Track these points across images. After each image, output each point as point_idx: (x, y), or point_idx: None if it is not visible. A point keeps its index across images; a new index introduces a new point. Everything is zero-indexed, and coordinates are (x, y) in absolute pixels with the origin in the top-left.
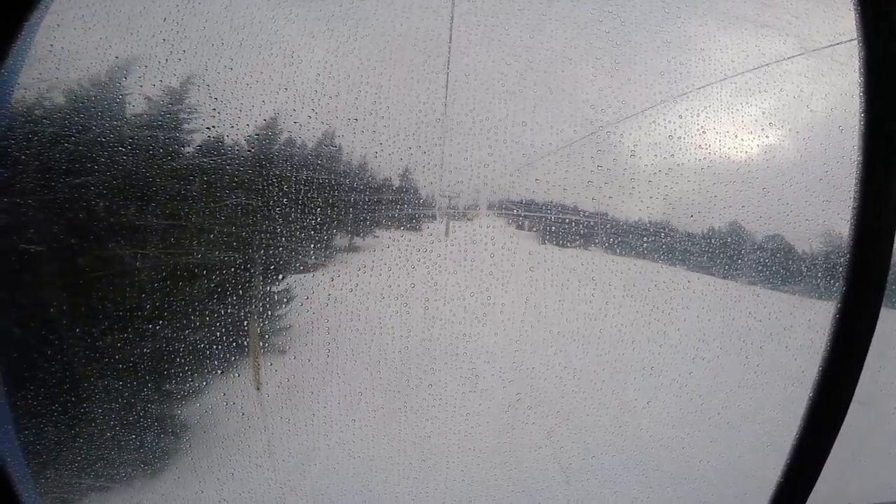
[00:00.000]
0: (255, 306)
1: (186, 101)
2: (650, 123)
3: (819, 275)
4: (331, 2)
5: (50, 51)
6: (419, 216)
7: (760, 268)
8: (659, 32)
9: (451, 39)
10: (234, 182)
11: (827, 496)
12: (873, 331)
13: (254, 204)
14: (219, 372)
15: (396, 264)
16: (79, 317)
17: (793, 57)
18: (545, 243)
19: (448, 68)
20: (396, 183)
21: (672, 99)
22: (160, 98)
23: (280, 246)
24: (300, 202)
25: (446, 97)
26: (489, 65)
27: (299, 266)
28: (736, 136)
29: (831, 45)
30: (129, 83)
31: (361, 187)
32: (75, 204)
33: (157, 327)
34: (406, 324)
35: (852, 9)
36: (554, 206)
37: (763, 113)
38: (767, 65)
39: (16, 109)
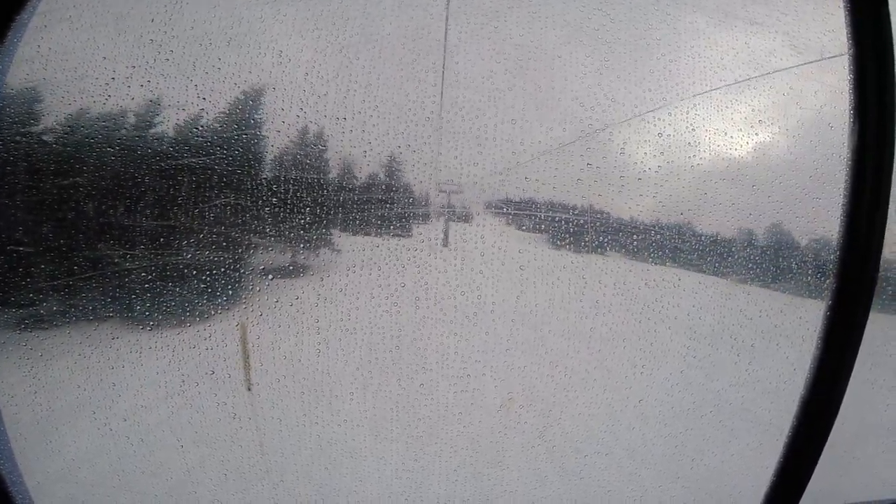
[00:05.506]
0: (246, 307)
1: (175, 102)
2: (640, 121)
3: (810, 272)
4: (319, 1)
5: (38, 52)
6: (409, 215)
7: (751, 266)
8: (648, 30)
9: (441, 38)
10: (223, 182)
11: (820, 493)
12: (864, 328)
13: (243, 204)
14: (210, 372)
15: (386, 264)
16: (69, 318)
17: (783, 54)
18: (535, 242)
19: (437, 67)
20: (385, 182)
21: (662, 97)
22: (148, 99)
23: (269, 246)
24: (289, 202)
25: (435, 96)
26: (479, 63)
27: (289, 266)
28: (726, 134)
29: (821, 43)
30: (117, 84)
31: (350, 187)
32: (64, 205)
33: (147, 328)
34: (397, 323)
35: (842, 7)
36: (544, 205)
37: (753, 110)
38: (757, 62)
39: (3, 110)
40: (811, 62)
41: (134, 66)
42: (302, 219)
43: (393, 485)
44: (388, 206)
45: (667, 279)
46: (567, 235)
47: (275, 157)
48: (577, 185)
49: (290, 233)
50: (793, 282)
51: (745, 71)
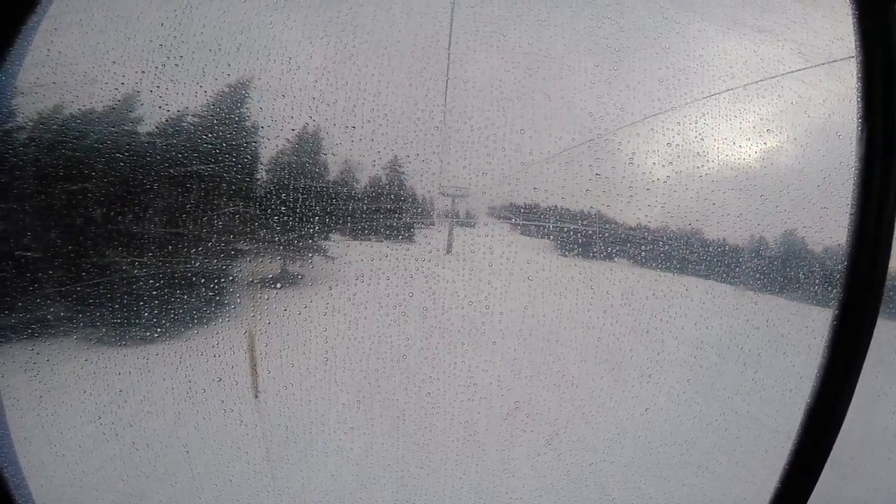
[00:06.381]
0: (254, 314)
1: (184, 108)
2: (649, 131)
3: (817, 281)
4: (329, 8)
5: (47, 55)
6: (417, 225)
7: (758, 275)
8: (658, 39)
9: (449, 46)
10: (232, 189)
11: (825, 501)
12: (871, 337)
13: (251, 212)
14: (217, 379)
15: (394, 273)
16: (76, 323)
17: (791, 62)
18: (543, 252)
19: (446, 75)
20: (394, 191)
21: (670, 106)
22: (157, 104)
23: (278, 254)
24: (298, 210)
25: (444, 104)
26: (487, 71)
27: (297, 274)
28: (734, 143)
29: (830, 50)
30: (126, 88)
31: (359, 195)
32: (72, 210)
33: (155, 334)
34: (404, 332)
35: (850, 14)
36: (552, 215)
37: (761, 119)
38: (766, 70)
39: (12, 114)
40: (820, 65)
41: (143, 72)
42: (310, 227)
43: (399, 493)
44: (396, 215)
45: (674, 289)
46: (575, 245)
47: (283, 164)
48: (585, 195)
49: (298, 241)
50: (799, 291)
51: (754, 79)
